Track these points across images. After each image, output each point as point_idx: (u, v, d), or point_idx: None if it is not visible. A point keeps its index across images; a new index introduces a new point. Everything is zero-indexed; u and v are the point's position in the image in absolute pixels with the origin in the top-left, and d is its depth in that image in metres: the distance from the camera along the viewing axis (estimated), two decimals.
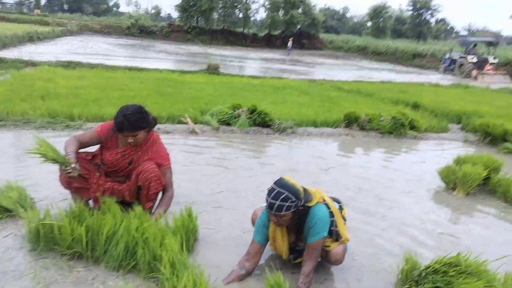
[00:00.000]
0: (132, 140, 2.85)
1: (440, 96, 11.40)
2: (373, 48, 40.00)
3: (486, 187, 4.61)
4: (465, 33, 71.90)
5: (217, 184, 4.02)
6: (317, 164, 5.02)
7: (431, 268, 2.43)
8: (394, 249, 3.06)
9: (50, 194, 3.32)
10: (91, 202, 3.02)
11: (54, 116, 5.67)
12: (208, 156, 4.89)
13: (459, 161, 4.94)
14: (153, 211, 2.99)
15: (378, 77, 18.47)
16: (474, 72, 23.35)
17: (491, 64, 23.84)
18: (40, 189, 3.45)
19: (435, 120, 8.14)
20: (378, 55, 38.33)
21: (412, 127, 7.30)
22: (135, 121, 2.77)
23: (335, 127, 7.03)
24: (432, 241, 3.31)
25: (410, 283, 2.44)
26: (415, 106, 9.34)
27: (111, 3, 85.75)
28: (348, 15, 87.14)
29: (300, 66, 22.68)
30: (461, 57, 25.07)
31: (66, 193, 3.06)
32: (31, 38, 20.28)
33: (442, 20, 67.81)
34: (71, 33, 31.00)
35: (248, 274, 2.50)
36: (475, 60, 23.91)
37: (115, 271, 2.41)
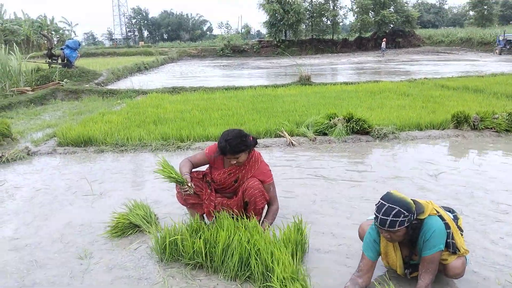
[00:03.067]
0: (235, 162, 3.09)
1: None
2: (479, 38, 36.50)
3: None
4: None
5: (318, 196, 4.04)
6: (424, 170, 4.73)
7: None
8: None
9: (169, 210, 3.68)
10: (205, 216, 3.28)
11: (166, 139, 6.26)
12: (307, 168, 4.94)
13: None
14: (260, 224, 3.14)
15: (488, 70, 16.75)
16: None
17: None
18: (160, 206, 3.84)
19: None
20: (485, 45, 34.84)
21: None
22: (235, 145, 2.99)
23: (443, 129, 6.56)
24: None
25: None
26: None
27: (205, 28, 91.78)
28: (445, 6, 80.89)
29: (396, 66, 21.63)
30: None
31: (183, 208, 3.37)
32: (139, 69, 22.64)
33: None
34: (172, 60, 33.87)
35: None
36: None
37: (232, 280, 2.59)
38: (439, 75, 15.16)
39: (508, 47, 29.18)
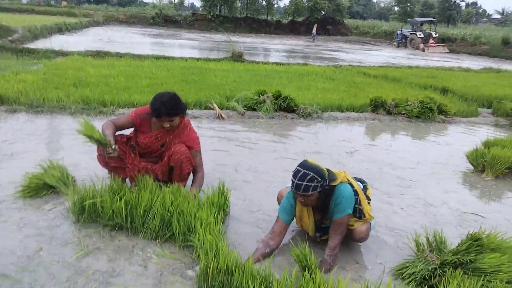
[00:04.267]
0: (168, 125, 3.01)
1: (470, 80, 11.13)
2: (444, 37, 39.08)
3: None
4: (497, 16, 68.96)
5: (243, 166, 4.14)
6: (342, 147, 5.07)
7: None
8: (416, 227, 3.11)
9: (89, 173, 3.52)
10: (127, 180, 3.20)
11: (87, 103, 5.92)
12: (235, 139, 5.02)
13: (488, 144, 4.89)
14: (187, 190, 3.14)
15: (406, 62, 18.10)
16: (421, 45, 30.32)
17: (434, 38, 31.22)
18: (79, 169, 3.66)
19: (465, 104, 8.00)
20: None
21: (441, 112, 7.21)
22: (171, 107, 2.92)
23: (361, 112, 7.02)
24: (455, 219, 3.33)
25: (430, 259, 2.49)
26: (444, 91, 9.18)
27: None
28: (374, 0, 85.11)
29: (325, 52, 22.46)
30: (411, 33, 32.43)
31: (103, 172, 3.25)
32: (60, 29, 20.89)
33: (474, 3, 65.29)
34: (97, 23, 31.68)
35: (272, 252, 2.57)
36: (422, 35, 31.37)
37: (153, 240, 2.59)
38: (363, 63, 16.06)
39: (403, 40, 33.16)
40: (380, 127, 6.39)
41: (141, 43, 18.90)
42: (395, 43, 34.30)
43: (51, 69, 8.13)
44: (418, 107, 6.93)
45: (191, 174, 3.27)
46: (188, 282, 2.22)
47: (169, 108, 2.91)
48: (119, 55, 11.47)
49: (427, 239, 2.66)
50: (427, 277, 2.42)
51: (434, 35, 31.73)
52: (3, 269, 2.19)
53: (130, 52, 12.07)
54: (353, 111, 7.06)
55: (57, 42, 13.78)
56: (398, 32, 34.48)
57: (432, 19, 34.95)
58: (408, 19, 37.97)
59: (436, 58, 23.94)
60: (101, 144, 2.87)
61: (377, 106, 7.01)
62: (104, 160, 3.05)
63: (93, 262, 2.32)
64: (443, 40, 33.57)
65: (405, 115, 6.95)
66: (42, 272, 2.19)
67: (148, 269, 2.30)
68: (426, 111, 6.91)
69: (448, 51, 30.64)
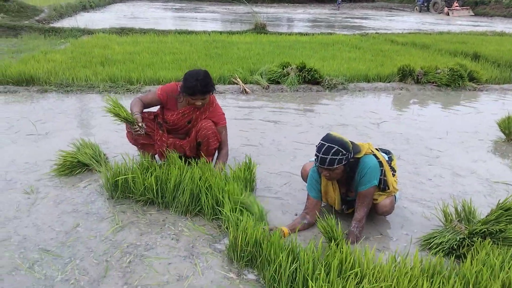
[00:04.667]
0: (200, 103, 3.05)
1: (504, 45, 10.59)
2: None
3: None
4: None
5: (268, 140, 4.17)
6: (368, 118, 5.00)
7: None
8: (444, 197, 3.08)
9: (119, 150, 3.64)
10: (156, 157, 3.30)
11: (114, 81, 6.04)
12: (260, 114, 5.04)
13: None
14: (213, 166, 3.21)
15: (437, 28, 17.36)
16: (446, 9, 29.41)
17: (458, 1, 30.11)
18: (110, 146, 3.80)
19: (498, 70, 7.68)
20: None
21: (472, 79, 6.96)
22: (205, 85, 2.97)
23: (389, 82, 6.86)
24: (485, 189, 3.28)
25: (459, 229, 2.48)
26: (476, 57, 8.81)
27: None
28: None
29: (350, 20, 21.78)
30: None
31: (133, 149, 3.36)
32: (84, 7, 21.00)
33: None
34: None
35: (310, 225, 2.63)
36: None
37: (183, 215, 2.69)
38: (390, 30, 15.52)
39: (425, 4, 32.11)
40: (408, 97, 6.23)
41: (163, 17, 18.86)
42: (416, 7, 33.00)
43: (78, 48, 8.27)
44: (448, 74, 6.71)
45: (216, 151, 3.33)
46: (219, 254, 2.31)
47: (203, 86, 2.95)
48: (143, 31, 11.52)
49: (456, 209, 2.65)
50: (455, 247, 2.42)
51: None
52: (44, 244, 2.34)
53: (154, 28, 12.09)
54: (380, 81, 6.90)
55: (82, 20, 13.97)
56: None
57: None
58: None
59: (466, 22, 22.82)
60: (128, 122, 2.95)
61: (405, 75, 6.82)
62: (133, 137, 3.14)
63: (127, 236, 2.44)
64: (465, 3, 32.10)
65: (434, 84, 6.75)
66: (80, 246, 2.33)
67: (179, 242, 2.41)
68: (456, 78, 6.68)
69: (473, 14, 29.69)
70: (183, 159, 3.14)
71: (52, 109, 4.89)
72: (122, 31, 11.34)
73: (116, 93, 5.70)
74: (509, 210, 2.44)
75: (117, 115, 2.92)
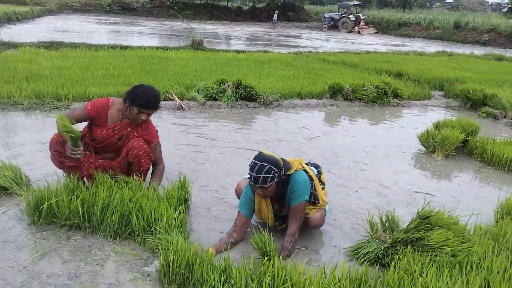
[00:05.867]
0: (144, 118, 2.99)
1: (423, 64, 11.57)
2: (367, 19, 39.81)
3: (465, 149, 4.84)
4: (450, 0, 71.43)
5: (203, 157, 4.16)
6: (301, 134, 5.18)
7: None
8: (370, 208, 3.26)
9: (44, 172, 3.42)
10: (85, 179, 3.13)
11: (40, 97, 5.69)
12: (196, 130, 5.01)
13: (438, 126, 5.14)
14: (146, 185, 3.12)
15: (364, 48, 18.51)
16: (356, 28, 32.66)
17: (362, 19, 33.85)
18: (33, 167, 3.56)
19: (418, 87, 8.34)
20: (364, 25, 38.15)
21: (396, 95, 7.49)
22: (158, 101, 2.99)
23: (320, 99, 7.17)
24: (407, 199, 3.53)
25: (383, 239, 2.63)
26: (399, 75, 9.52)
27: None
28: None
29: (285, 38, 22.55)
30: (344, 17, 34.30)
31: (60, 171, 3.17)
32: (10, 19, 19.71)
33: None
34: (50, 12, 30.14)
35: (236, 243, 2.64)
36: (353, 18, 33.66)
37: (112, 238, 2.57)
38: (322, 49, 16.29)
39: (332, 23, 35.03)
40: (338, 113, 6.56)
41: (96, 32, 18.21)
42: (325, 26, 35.41)
43: (1, 63, 7.72)
44: (374, 91, 7.17)
45: (151, 167, 3.24)
46: (147, 278, 2.23)
47: (158, 101, 2.97)
48: (73, 46, 11.03)
49: (381, 219, 2.80)
50: (381, 256, 2.56)
51: (361, 17, 34.30)
52: None
53: (86, 42, 11.65)
54: (313, 97, 7.20)
55: (7, 32, 13.07)
56: (326, 15, 36.09)
57: (359, 3, 37.10)
58: (339, 3, 39.02)
59: (395, 42, 24.65)
60: (74, 140, 2.77)
61: (335, 92, 7.18)
62: (59, 160, 2.97)
63: (48, 264, 2.28)
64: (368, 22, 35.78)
65: (362, 100, 7.17)
66: None
67: (104, 268, 2.29)
68: (381, 95, 7.16)
69: (376, 31, 33.92)
70: (113, 179, 3.02)
71: None
72: (51, 45, 10.78)
73: (42, 110, 5.37)
74: (427, 219, 2.64)
75: (70, 132, 2.74)
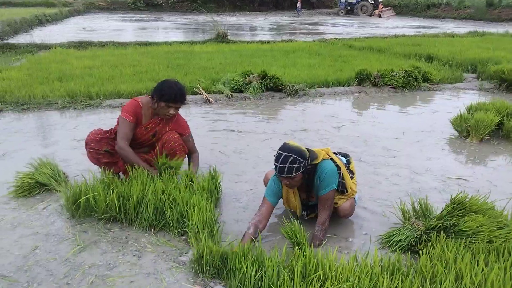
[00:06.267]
0: (173, 112, 3.09)
1: (454, 46, 11.16)
2: (384, 1, 38.77)
3: (501, 132, 4.67)
4: None
5: (231, 149, 4.21)
6: (329, 123, 5.13)
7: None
8: (402, 195, 3.21)
9: (80, 168, 3.56)
10: (121, 174, 3.26)
11: (73, 96, 5.90)
12: (223, 123, 5.07)
13: (471, 109, 4.98)
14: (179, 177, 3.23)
15: (391, 32, 18.03)
16: (376, 11, 31.99)
17: (380, 2, 32.92)
18: (70, 164, 3.71)
19: (450, 70, 8.07)
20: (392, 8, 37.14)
21: (426, 80, 7.28)
22: (184, 94, 3.09)
23: (348, 86, 7.07)
24: (440, 185, 3.45)
25: (416, 226, 2.60)
26: (429, 58, 9.22)
27: None
28: None
29: (310, 26, 22.25)
30: (362, 1, 33.46)
31: (94, 167, 3.29)
32: (40, 21, 20.37)
33: None
34: (78, 12, 30.93)
35: (260, 233, 2.64)
36: (372, 1, 32.93)
37: (147, 230, 2.66)
38: (348, 35, 15.98)
39: (348, 7, 34.05)
40: (366, 100, 6.45)
41: (123, 29, 18.58)
42: (341, 11, 34.43)
43: (35, 64, 8.03)
44: (403, 76, 6.99)
45: (186, 157, 3.37)
46: (183, 266, 2.31)
47: (185, 95, 3.07)
48: (102, 44, 11.32)
49: (413, 207, 2.77)
50: (414, 244, 2.53)
51: (380, 0, 33.17)
52: (1, 270, 2.25)
53: (113, 40, 11.91)
54: (340, 85, 7.11)
55: (39, 35, 13.53)
56: (342, 0, 34.86)
57: None
58: None
59: (424, 24, 23.87)
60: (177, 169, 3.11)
61: (363, 78, 7.05)
62: (95, 157, 3.09)
63: (89, 256, 2.39)
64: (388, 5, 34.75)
65: (391, 86, 7.01)
66: (39, 270, 2.26)
67: (141, 258, 2.38)
68: (411, 80, 6.98)
69: (395, 13, 32.90)
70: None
71: (8, 128, 4.71)
72: (80, 45, 11.11)
73: (76, 108, 5.56)
74: (460, 204, 2.58)
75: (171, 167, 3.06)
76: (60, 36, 14.20)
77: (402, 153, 4.15)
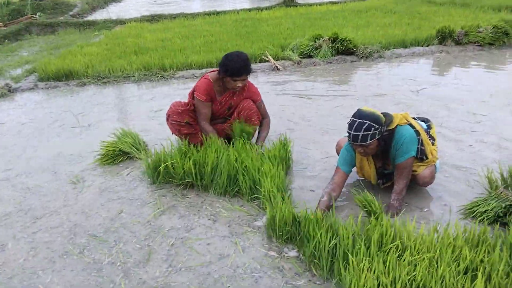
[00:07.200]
0: (241, 84, 3.09)
1: None
2: None
3: None
4: None
5: (301, 117, 4.13)
6: (407, 86, 4.82)
7: None
8: (488, 163, 2.95)
9: (158, 137, 3.75)
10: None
11: (148, 69, 6.16)
12: (291, 91, 4.98)
13: None
14: (257, 136, 3.36)
15: None
16: None
17: None
18: (149, 133, 3.91)
19: None
20: None
21: None
22: (249, 65, 3.08)
23: (427, 45, 6.54)
24: None
25: (505, 196, 2.37)
26: None
27: None
28: None
29: None
30: None
31: (171, 135, 3.43)
32: None
33: None
34: None
35: (334, 201, 2.59)
36: None
37: (222, 196, 2.76)
38: None
39: None
40: (448, 60, 5.93)
41: (191, 0, 18.85)
42: None
43: (112, 39, 8.47)
44: (491, 33, 6.30)
45: None
46: (257, 231, 2.36)
47: (249, 65, 3.06)
48: (172, 16, 11.59)
49: (501, 175, 2.54)
50: (502, 215, 2.33)
51: None
52: (92, 230, 2.49)
53: (183, 12, 12.14)
54: (418, 45, 6.59)
55: (113, 11, 14.25)
56: None
57: None
58: None
59: None
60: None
61: (444, 37, 6.47)
62: (177, 128, 3.22)
63: (168, 219, 2.54)
64: None
65: (476, 44, 6.36)
66: (124, 231, 2.45)
67: (216, 222, 2.48)
68: (501, 36, 6.27)
69: None
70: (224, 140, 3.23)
71: (91, 101, 5.08)
72: (152, 19, 11.47)
73: (151, 80, 5.81)
74: None
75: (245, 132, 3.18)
76: (134, 11, 14.79)
77: (489, 118, 3.78)
